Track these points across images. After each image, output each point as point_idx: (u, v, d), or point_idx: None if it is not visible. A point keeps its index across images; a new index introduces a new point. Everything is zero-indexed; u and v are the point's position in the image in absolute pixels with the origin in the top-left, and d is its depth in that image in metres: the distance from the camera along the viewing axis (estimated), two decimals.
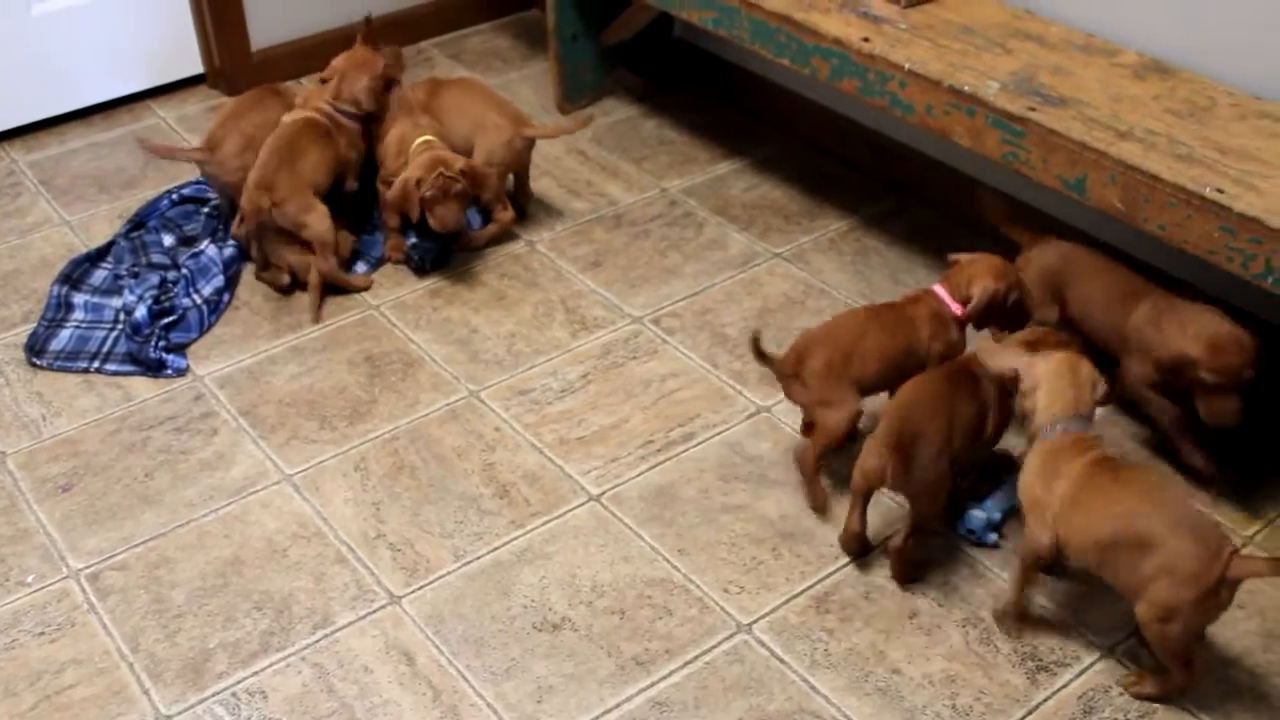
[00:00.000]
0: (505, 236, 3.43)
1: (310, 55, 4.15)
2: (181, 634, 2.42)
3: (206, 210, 3.46)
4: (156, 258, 3.27)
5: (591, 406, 2.92)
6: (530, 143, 3.44)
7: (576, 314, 3.19)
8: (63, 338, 3.07)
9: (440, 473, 2.75)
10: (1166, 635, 2.17)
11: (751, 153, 3.81)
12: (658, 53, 4.10)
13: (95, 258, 3.31)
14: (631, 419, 2.87)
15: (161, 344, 3.02)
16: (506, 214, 3.41)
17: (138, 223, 3.43)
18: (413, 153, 3.25)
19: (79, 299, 3.16)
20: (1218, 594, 2.12)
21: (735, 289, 3.27)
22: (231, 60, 4.05)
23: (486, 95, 3.50)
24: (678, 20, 4.01)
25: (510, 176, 3.49)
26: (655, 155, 3.80)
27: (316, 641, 2.40)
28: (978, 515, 2.58)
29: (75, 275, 3.24)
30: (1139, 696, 2.29)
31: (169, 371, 3.00)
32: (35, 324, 3.11)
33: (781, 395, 2.91)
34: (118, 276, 3.23)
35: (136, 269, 3.24)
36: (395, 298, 3.24)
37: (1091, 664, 2.36)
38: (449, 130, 3.40)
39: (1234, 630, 2.40)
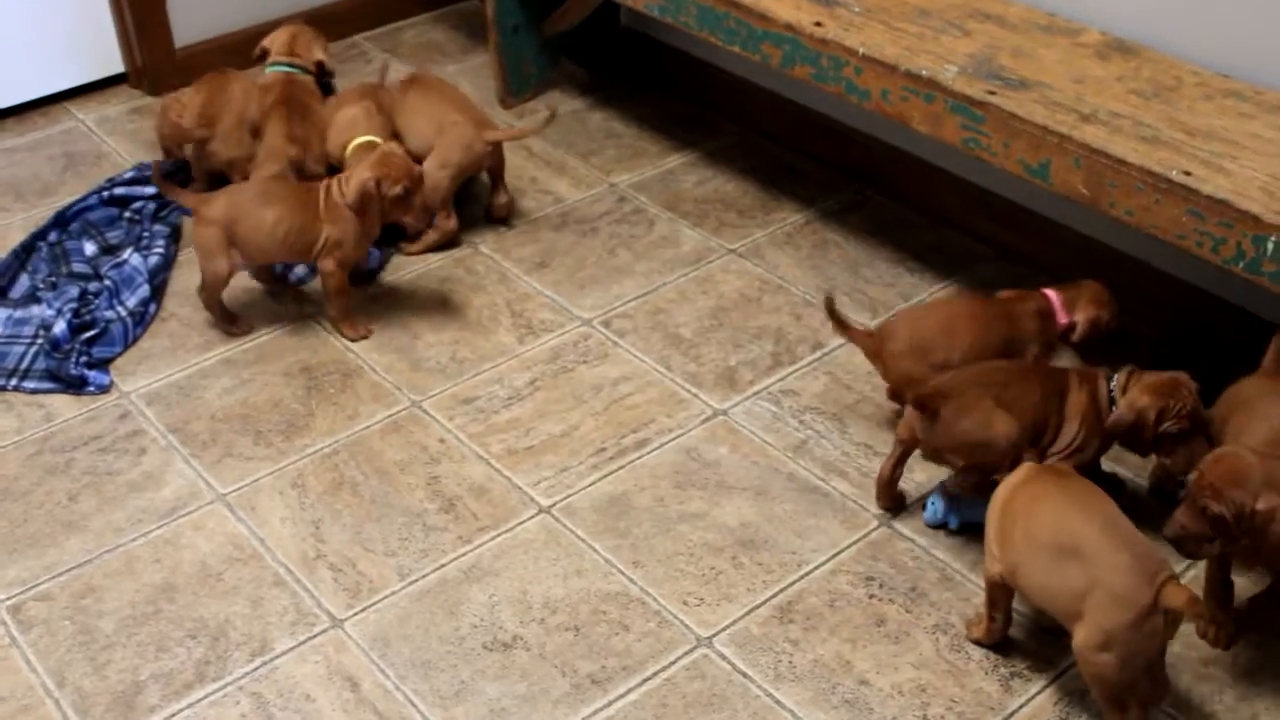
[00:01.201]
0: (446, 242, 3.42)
1: (235, 52, 4.11)
2: (111, 666, 2.39)
3: (129, 215, 3.43)
4: (78, 267, 3.24)
5: (540, 414, 2.91)
6: (492, 147, 3.39)
7: (523, 317, 3.18)
8: None
9: (382, 488, 2.74)
10: (1100, 666, 2.12)
11: (703, 145, 3.82)
12: (603, 42, 4.10)
13: (17, 263, 3.27)
14: (582, 426, 2.87)
15: (83, 360, 2.99)
16: (449, 222, 3.39)
17: (62, 219, 3.40)
18: (352, 154, 3.24)
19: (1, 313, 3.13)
20: (1152, 618, 2.07)
21: (688, 287, 3.27)
22: (154, 59, 4.01)
23: (450, 96, 3.47)
24: (623, 8, 4.01)
25: (489, 179, 3.50)
26: (603, 149, 3.80)
27: (255, 670, 2.38)
28: (938, 505, 2.61)
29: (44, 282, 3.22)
30: None
31: (91, 389, 2.97)
32: None
33: (737, 399, 2.92)
34: (36, 288, 3.20)
35: (55, 279, 3.21)
36: None
37: (1066, 669, 2.37)
38: (410, 133, 3.42)
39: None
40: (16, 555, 2.60)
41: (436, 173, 3.30)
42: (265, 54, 3.67)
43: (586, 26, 4.00)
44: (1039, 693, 2.33)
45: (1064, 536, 2.15)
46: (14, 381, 2.98)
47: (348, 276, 3.09)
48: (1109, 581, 2.09)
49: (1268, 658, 2.39)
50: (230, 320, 3.14)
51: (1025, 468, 2.32)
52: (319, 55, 3.66)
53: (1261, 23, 2.70)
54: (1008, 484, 2.30)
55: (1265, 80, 2.70)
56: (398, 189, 2.98)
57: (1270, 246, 2.32)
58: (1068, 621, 2.16)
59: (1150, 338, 3.03)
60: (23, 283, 3.23)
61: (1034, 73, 2.74)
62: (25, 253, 3.31)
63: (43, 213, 3.51)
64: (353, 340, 3.10)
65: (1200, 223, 2.40)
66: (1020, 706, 2.31)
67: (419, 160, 3.31)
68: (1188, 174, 2.42)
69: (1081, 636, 2.12)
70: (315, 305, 3.22)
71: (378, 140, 3.31)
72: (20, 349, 3.04)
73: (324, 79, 3.70)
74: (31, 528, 2.65)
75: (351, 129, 3.38)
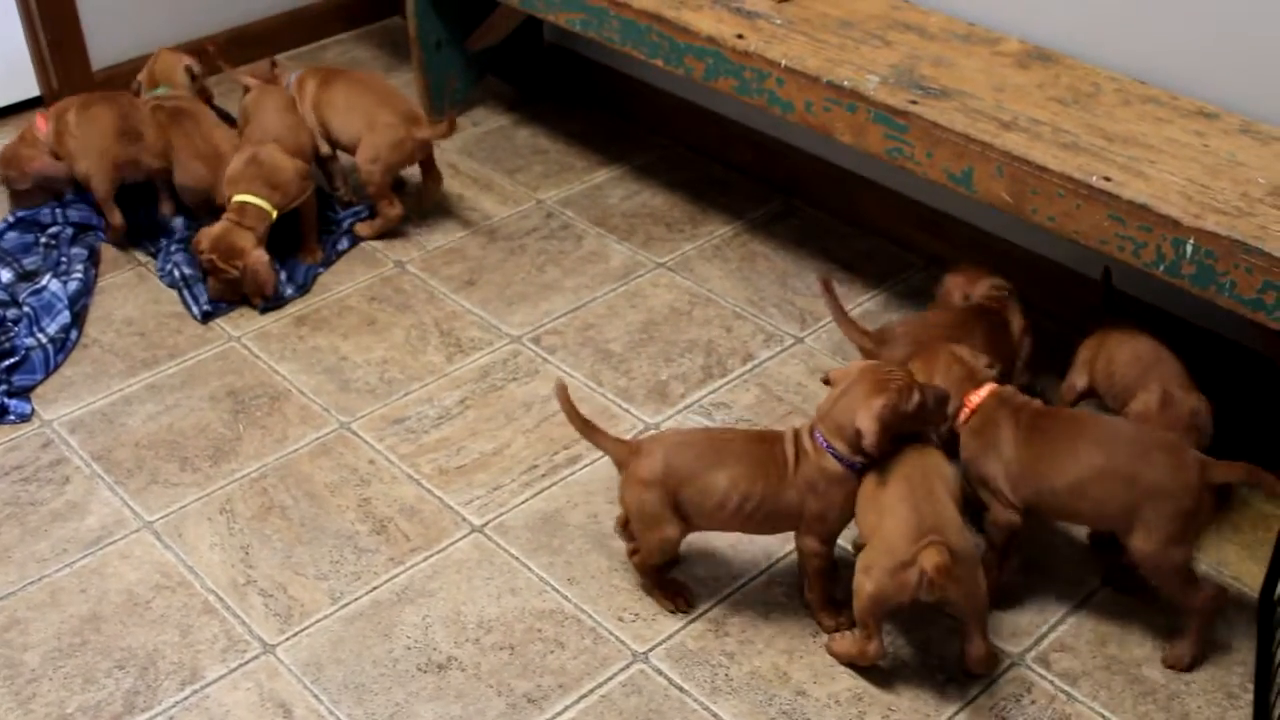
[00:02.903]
0: (375, 261, 3.41)
1: None
2: (36, 700, 2.36)
3: (45, 240, 3.39)
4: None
5: (471, 433, 2.90)
6: (423, 144, 3.44)
7: (451, 336, 3.18)
8: None
9: (312, 511, 2.72)
10: (857, 587, 2.29)
11: (630, 159, 3.83)
12: (528, 58, 4.11)
13: None
14: (513, 444, 2.87)
15: (2, 389, 2.95)
16: (394, 209, 3.47)
17: None
18: (229, 209, 3.24)
19: None
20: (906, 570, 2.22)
21: (618, 302, 3.28)
22: (71, 82, 3.97)
23: (380, 90, 3.50)
24: (547, 24, 4.02)
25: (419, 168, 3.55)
26: (529, 166, 3.80)
27: (185, 698, 2.36)
28: None
29: None
30: (829, 650, 2.42)
31: (12, 418, 2.93)
32: None
33: (669, 413, 2.92)
34: None
35: None
36: (258, 328, 3.20)
37: (1002, 672, 2.40)
38: (338, 127, 3.45)
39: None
40: None
41: (368, 166, 3.39)
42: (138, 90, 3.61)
43: (511, 42, 4.00)
44: (974, 698, 2.35)
45: (873, 486, 2.32)
46: None
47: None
48: (887, 529, 2.25)
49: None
50: (676, 592, 2.53)
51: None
52: (182, 77, 3.59)
53: (1178, 30, 2.75)
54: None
55: (1181, 86, 2.75)
56: (912, 402, 2.33)
57: (1189, 249, 2.36)
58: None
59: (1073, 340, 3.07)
60: None
61: (955, 82, 2.78)
62: None
63: None
64: (830, 633, 2.49)
65: (1121, 227, 2.45)
66: (956, 712, 2.33)
67: (344, 148, 3.49)
68: (1107, 179, 2.47)
69: (860, 560, 2.29)
70: (240, 329, 3.20)
71: (259, 202, 3.23)
72: None
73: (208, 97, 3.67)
74: None
75: (232, 185, 3.28)
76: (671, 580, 2.52)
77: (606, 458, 2.79)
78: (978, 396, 2.45)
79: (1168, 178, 2.47)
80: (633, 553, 2.52)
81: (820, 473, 2.35)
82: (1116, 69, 2.83)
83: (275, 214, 3.23)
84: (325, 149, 3.53)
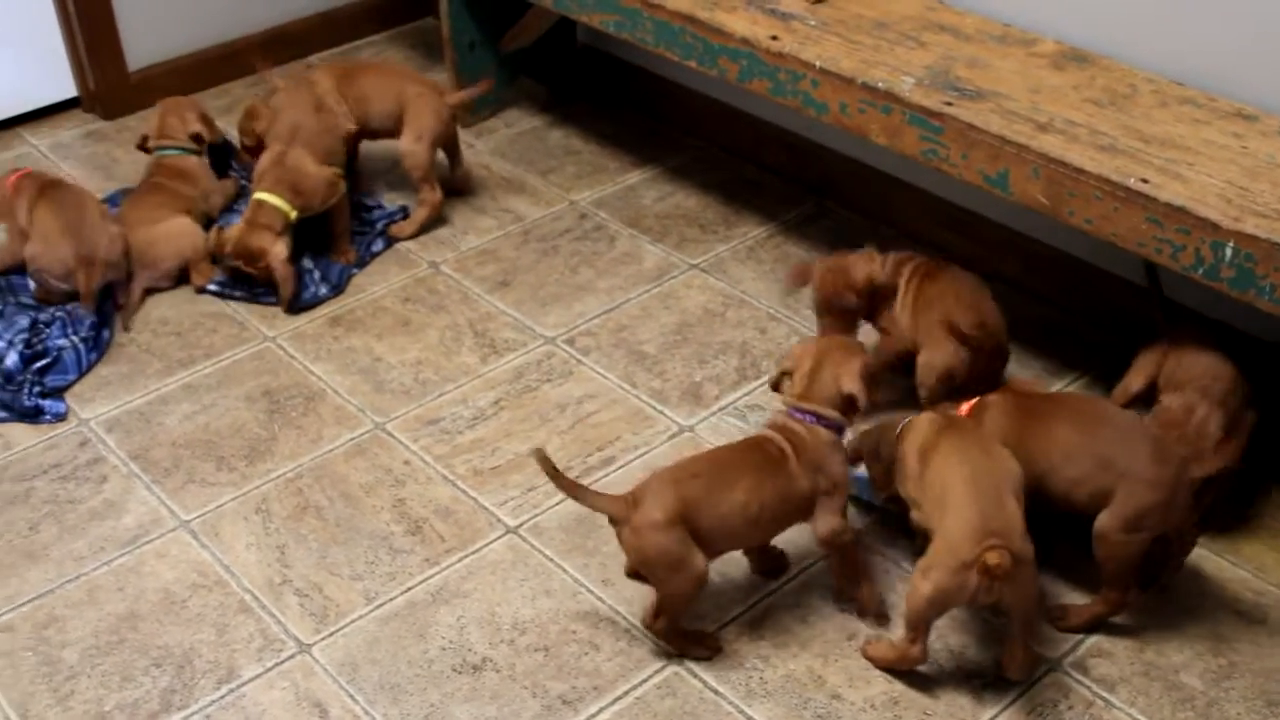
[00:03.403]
0: (409, 262, 3.42)
1: (189, 75, 4.12)
2: (75, 697, 2.37)
3: None
4: (26, 297, 3.22)
5: (505, 434, 2.91)
6: (455, 112, 3.54)
7: (486, 337, 3.18)
8: None
9: (348, 511, 2.73)
10: (913, 592, 2.29)
11: (663, 160, 3.83)
12: (561, 59, 4.11)
13: None
14: (547, 445, 2.87)
15: (36, 390, 2.97)
16: (435, 195, 3.51)
17: None
18: (248, 209, 3.25)
19: None
20: (966, 573, 2.23)
21: (651, 303, 3.28)
22: (107, 83, 4.00)
23: (403, 72, 3.59)
24: (581, 25, 4.02)
25: (445, 157, 3.61)
26: (562, 167, 3.81)
27: (222, 697, 2.37)
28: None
29: None
30: (865, 655, 2.42)
31: (48, 417, 2.95)
32: None
33: (703, 414, 2.92)
34: None
35: (2, 309, 3.19)
36: (293, 328, 3.22)
37: (1040, 677, 2.39)
38: (371, 115, 3.48)
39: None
40: None
41: (415, 146, 3.45)
42: (145, 140, 3.54)
43: (544, 43, 4.01)
44: (1012, 702, 2.34)
45: (940, 485, 2.33)
46: None
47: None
48: (950, 529, 2.25)
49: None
50: (703, 638, 2.47)
51: (927, 419, 2.47)
52: (195, 127, 3.50)
53: (1216, 30, 2.74)
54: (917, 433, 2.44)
55: (1219, 88, 2.73)
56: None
57: (1228, 252, 2.35)
58: None
59: (1110, 345, 3.06)
60: None
61: (990, 83, 2.77)
62: None
63: None
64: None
65: (1159, 230, 2.43)
66: (993, 717, 2.32)
67: (375, 136, 3.52)
68: (1145, 181, 2.45)
69: (919, 562, 2.29)
70: (275, 329, 3.21)
71: (277, 202, 3.23)
72: None
73: (217, 152, 3.60)
74: None
75: (257, 182, 3.29)
76: (694, 631, 2.47)
77: (642, 458, 2.80)
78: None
79: (1206, 180, 2.46)
80: (656, 616, 2.39)
81: (821, 447, 2.39)
82: (1153, 70, 2.82)
83: (295, 215, 3.24)
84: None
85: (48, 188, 3.24)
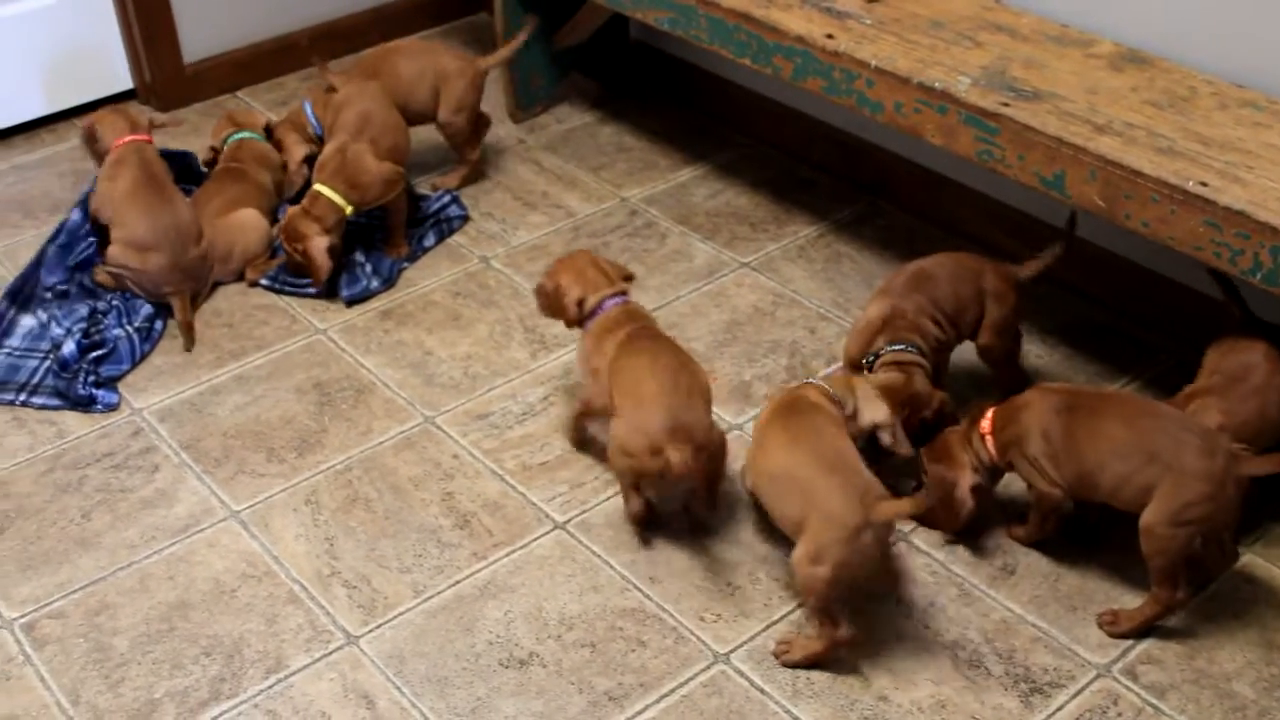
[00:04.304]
0: (460, 256, 3.44)
1: (245, 67, 4.15)
2: (125, 684, 2.40)
3: None
4: (88, 280, 3.25)
5: (554, 429, 2.91)
6: (487, 72, 3.64)
7: (535, 333, 3.19)
8: None
9: (396, 504, 2.74)
10: (810, 578, 2.30)
11: (714, 158, 3.83)
12: (613, 56, 4.11)
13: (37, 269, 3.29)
14: (595, 442, 2.87)
15: (90, 379, 3.00)
16: (475, 154, 3.67)
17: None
18: (308, 196, 3.27)
19: (25, 323, 3.15)
20: (862, 535, 2.27)
21: (701, 301, 3.27)
22: (163, 74, 4.03)
23: (429, 48, 3.65)
24: (634, 21, 4.03)
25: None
26: (613, 163, 3.81)
27: (270, 687, 2.39)
28: None
29: (25, 291, 3.23)
30: (788, 664, 2.41)
31: (99, 407, 2.97)
32: None
33: (753, 412, 2.92)
34: (45, 300, 3.21)
35: (66, 287, 3.22)
36: (344, 321, 3.23)
37: (1087, 684, 2.37)
38: (409, 95, 3.52)
39: None
40: (30, 573, 2.61)
41: (453, 118, 3.58)
42: (215, 154, 3.57)
43: (596, 40, 4.01)
44: (1059, 709, 2.33)
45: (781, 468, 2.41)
46: (23, 396, 2.99)
47: None
48: (822, 504, 2.30)
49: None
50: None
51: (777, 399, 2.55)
52: (263, 121, 3.61)
53: (1276, 31, 2.71)
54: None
55: None
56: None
57: None
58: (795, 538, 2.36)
59: (1164, 349, 3.04)
60: (45, 296, 3.24)
61: (1047, 84, 2.75)
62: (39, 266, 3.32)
63: (53, 229, 3.51)
64: None
65: (1217, 234, 2.41)
66: None
67: (421, 120, 3.57)
68: (1204, 185, 2.43)
69: (797, 553, 2.32)
70: (326, 321, 3.23)
71: (333, 196, 3.24)
72: (34, 363, 3.05)
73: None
74: (45, 545, 2.66)
75: (318, 172, 3.31)
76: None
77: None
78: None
79: (1266, 184, 2.43)
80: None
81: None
82: (1213, 72, 2.79)
83: (350, 210, 3.26)
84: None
85: (146, 176, 3.21)
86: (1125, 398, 2.63)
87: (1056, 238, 2.87)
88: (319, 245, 3.20)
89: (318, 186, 3.25)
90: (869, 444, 2.57)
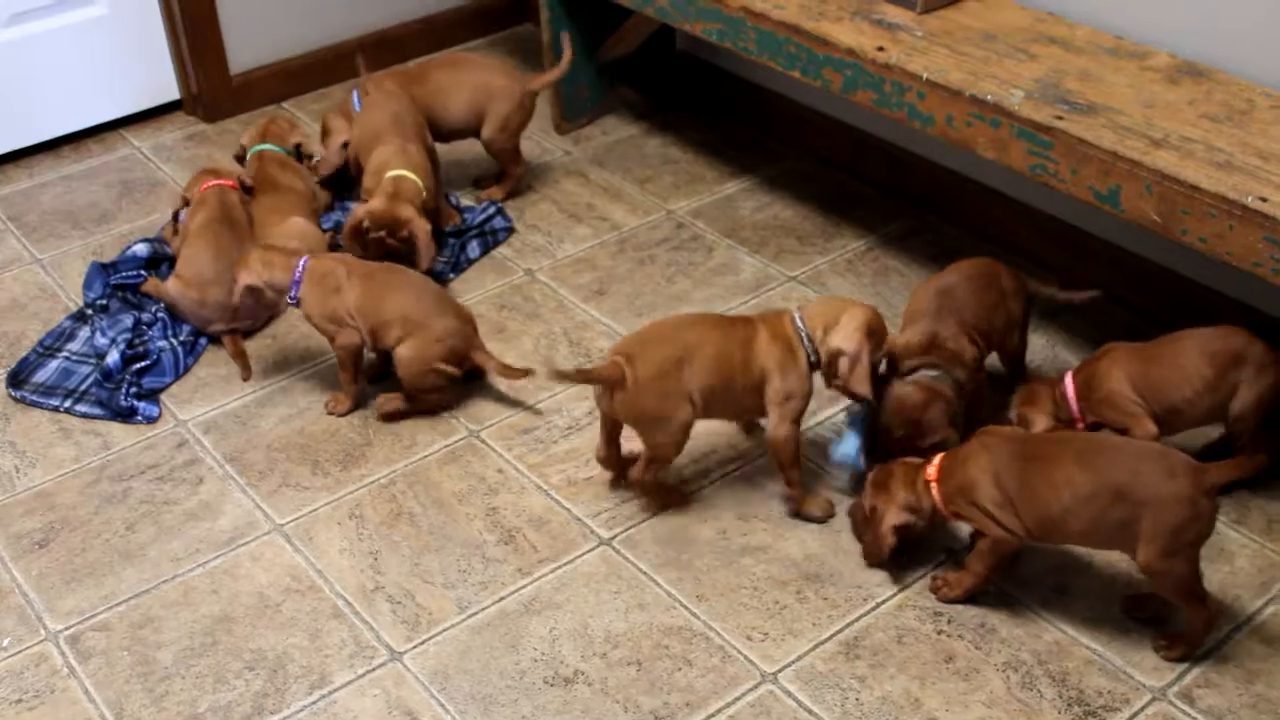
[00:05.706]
0: (505, 268, 3.43)
1: (292, 78, 4.17)
2: (169, 698, 2.39)
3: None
4: (132, 295, 3.26)
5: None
6: (536, 97, 3.64)
7: (580, 346, 3.17)
8: (50, 369, 3.09)
9: (441, 519, 2.73)
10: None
11: (761, 170, 3.81)
12: (659, 68, 4.10)
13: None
14: (635, 452, 2.85)
15: (132, 391, 3.00)
16: (521, 167, 3.68)
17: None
18: (383, 185, 3.25)
19: (84, 332, 3.17)
20: None
21: None
22: (210, 85, 4.05)
23: (477, 63, 3.64)
24: (680, 33, 4.01)
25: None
26: (659, 175, 3.80)
27: (313, 703, 2.38)
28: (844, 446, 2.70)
29: (94, 305, 3.25)
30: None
31: (140, 419, 2.98)
32: (27, 353, 3.15)
33: (802, 427, 2.89)
34: (88, 309, 3.23)
35: (108, 301, 3.23)
36: None
37: (1143, 707, 2.33)
38: (447, 109, 3.53)
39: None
40: (75, 585, 2.61)
41: (498, 135, 3.57)
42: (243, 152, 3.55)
43: (643, 52, 4.00)
44: None
45: None
46: (68, 403, 3.00)
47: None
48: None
49: None
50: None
51: None
52: (297, 139, 3.56)
53: None
54: None
55: None
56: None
57: None
58: None
59: None
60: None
61: (1102, 97, 2.72)
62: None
63: (99, 240, 3.54)
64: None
65: (1276, 250, 2.37)
66: None
67: (457, 135, 3.59)
68: (1263, 200, 2.39)
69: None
70: None
71: (414, 177, 3.26)
72: (86, 369, 3.07)
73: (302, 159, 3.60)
74: (89, 557, 2.67)
75: (379, 168, 3.30)
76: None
77: (736, 471, 2.77)
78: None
79: None
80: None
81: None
82: (1272, 85, 2.75)
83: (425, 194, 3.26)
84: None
85: (222, 216, 3.22)
86: (1071, 438, 2.52)
87: (1107, 256, 2.83)
88: (424, 226, 3.19)
89: (398, 171, 3.24)
90: (872, 433, 2.69)
